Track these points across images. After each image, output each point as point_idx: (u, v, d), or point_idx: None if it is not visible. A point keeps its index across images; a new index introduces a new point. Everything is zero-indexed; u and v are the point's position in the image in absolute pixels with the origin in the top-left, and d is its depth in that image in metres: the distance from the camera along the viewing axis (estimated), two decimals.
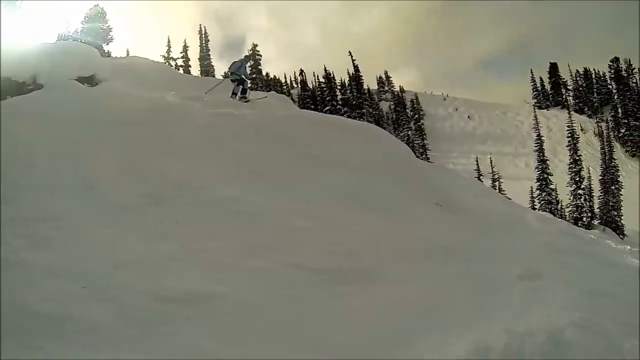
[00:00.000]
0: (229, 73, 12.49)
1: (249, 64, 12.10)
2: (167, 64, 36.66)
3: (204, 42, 44.37)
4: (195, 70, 42.80)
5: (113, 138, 7.42)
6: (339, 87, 53.37)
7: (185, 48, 42.94)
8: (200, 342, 3.31)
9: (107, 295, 3.84)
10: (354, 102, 51.13)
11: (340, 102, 50.64)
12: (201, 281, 4.35)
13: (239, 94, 11.22)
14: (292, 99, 48.70)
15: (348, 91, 52.96)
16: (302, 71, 60.21)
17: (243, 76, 11.32)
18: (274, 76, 62.23)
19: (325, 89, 51.96)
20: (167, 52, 40.99)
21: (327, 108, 46.96)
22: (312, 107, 43.92)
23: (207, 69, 42.86)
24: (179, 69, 38.80)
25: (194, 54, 44.60)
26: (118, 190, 6.19)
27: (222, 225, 6.06)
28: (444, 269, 4.91)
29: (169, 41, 41.26)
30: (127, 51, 39.64)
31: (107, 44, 30.63)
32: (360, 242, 5.29)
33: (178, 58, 41.91)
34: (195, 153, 8.12)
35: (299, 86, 57.82)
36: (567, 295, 4.45)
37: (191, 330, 3.46)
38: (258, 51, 45.87)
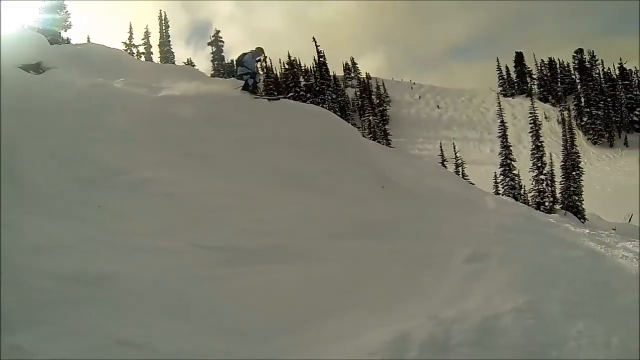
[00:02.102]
0: (237, 66, 11.35)
1: (259, 58, 11.03)
2: (128, 51, 35.83)
3: (163, 27, 43.26)
4: (157, 57, 41.80)
5: (47, 126, 6.93)
6: (302, 73, 53.54)
7: (147, 34, 41.65)
8: (96, 322, 3.18)
9: (16, 279, 3.52)
10: (317, 89, 51.25)
11: (303, 89, 50.63)
12: (107, 262, 4.25)
13: (251, 86, 10.34)
14: (257, 86, 48.76)
15: (312, 77, 53.09)
16: (265, 57, 58.90)
17: (251, 70, 10.36)
18: None
19: (288, 75, 52.04)
20: (128, 39, 39.97)
21: (290, 94, 47.11)
22: (276, 93, 43.50)
23: (167, 56, 42.08)
24: (140, 56, 38.16)
25: (156, 40, 43.33)
26: (44, 176, 5.89)
27: (142, 207, 5.95)
28: (376, 248, 4.58)
29: (130, 27, 40.25)
30: (88, 38, 38.03)
31: (65, 30, 29.12)
32: (288, 221, 4.98)
33: (140, 45, 40.98)
34: (129, 138, 7.88)
35: (263, 72, 57.76)
36: (514, 278, 4.19)
37: (90, 310, 3.35)
38: (220, 37, 45.45)
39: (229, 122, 8.64)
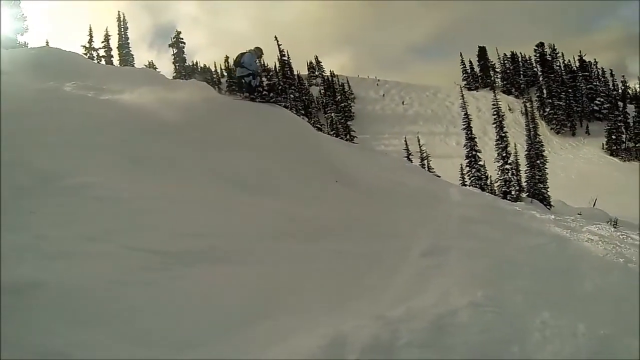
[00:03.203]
0: (235, 67, 10.26)
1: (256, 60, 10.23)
2: (88, 54, 35.35)
3: (122, 29, 42.36)
4: (117, 60, 40.86)
5: None
6: (265, 73, 53.62)
7: (107, 37, 40.66)
8: (10, 332, 2.77)
9: None
10: (280, 87, 51.30)
11: (266, 88, 50.39)
12: (34, 270, 3.76)
13: (256, 86, 9.55)
14: (220, 87, 48.59)
15: (275, 77, 52.70)
16: (227, 58, 59.47)
17: (252, 71, 9.58)
18: (204, 65, 62.00)
19: None
20: (88, 42, 39.15)
21: (252, 95, 46.84)
22: (239, 94, 42.95)
23: (126, 58, 41.19)
24: (100, 60, 37.40)
25: (116, 43, 42.23)
26: None
27: (78, 212, 5.48)
28: (322, 249, 4.31)
29: (90, 30, 39.46)
30: (47, 42, 36.78)
31: (22, 34, 27.96)
32: (229, 223, 4.64)
33: (100, 48, 40.13)
34: (73, 142, 7.37)
35: (227, 74, 57.96)
36: (474, 270, 4.00)
37: (6, 321, 2.91)
38: (182, 39, 44.77)
39: (177, 125, 8.26)
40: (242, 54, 9.90)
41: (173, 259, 3.94)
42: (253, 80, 9.63)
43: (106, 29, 40.86)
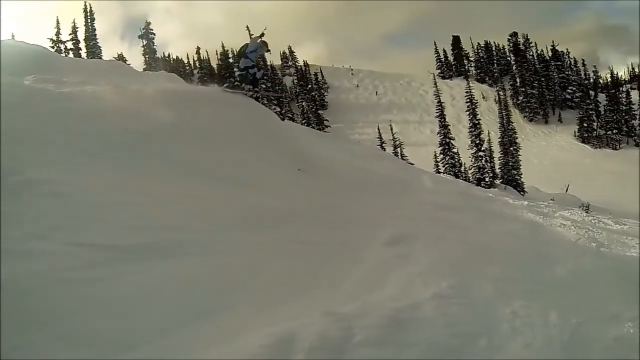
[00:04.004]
0: (239, 58, 9.66)
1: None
2: (55, 47, 34.51)
3: (89, 21, 40.98)
4: (85, 52, 39.74)
5: None
6: (236, 63, 53.35)
7: (74, 29, 39.40)
8: None
9: None
10: (252, 78, 51.12)
11: (238, 79, 50.13)
12: None
13: (260, 79, 8.89)
14: (191, 79, 48.03)
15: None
16: (198, 49, 59.18)
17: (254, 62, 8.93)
18: (177, 57, 60.81)
19: (223, 66, 52.23)
20: (55, 35, 37.88)
21: (225, 85, 46.61)
22: (210, 84, 42.47)
23: (93, 50, 40.03)
24: (68, 53, 36.43)
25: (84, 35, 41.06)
26: None
27: (26, 209, 5.11)
28: (278, 239, 4.05)
29: (57, 23, 38.13)
30: (12, 35, 35.14)
31: None
32: (181, 214, 4.36)
33: (67, 41, 38.88)
34: (26, 137, 6.93)
35: (199, 65, 57.71)
36: (442, 259, 3.81)
37: None
38: (151, 30, 43.77)
39: (136, 117, 7.90)
40: (247, 44, 9.37)
41: (122, 253, 3.72)
42: (258, 72, 9.15)
43: (73, 21, 39.79)
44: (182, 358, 2.43)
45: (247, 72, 9.24)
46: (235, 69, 52.53)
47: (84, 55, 38.28)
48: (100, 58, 33.89)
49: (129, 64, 22.02)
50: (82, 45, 39.95)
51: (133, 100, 8.39)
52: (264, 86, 9.96)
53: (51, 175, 5.86)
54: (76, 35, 39.76)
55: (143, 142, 7.32)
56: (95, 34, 41.44)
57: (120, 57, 42.63)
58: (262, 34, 9.34)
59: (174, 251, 3.73)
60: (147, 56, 43.05)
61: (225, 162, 6.34)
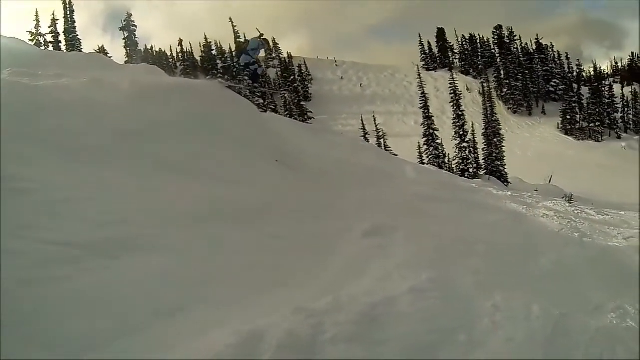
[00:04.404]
0: (240, 54, 9.83)
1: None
2: (34, 40, 33.62)
3: (68, 12, 39.83)
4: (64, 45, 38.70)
5: None
6: (219, 55, 53.52)
7: (54, 21, 38.23)
8: None
9: None
10: (235, 70, 50.65)
11: (221, 71, 49.72)
12: None
13: (261, 76, 8.96)
14: (174, 72, 47.51)
15: (229, 59, 52.56)
16: (181, 41, 57.99)
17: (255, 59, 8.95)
18: (160, 49, 59.62)
19: (205, 58, 52.14)
20: (35, 28, 36.70)
21: (208, 77, 46.52)
22: (193, 77, 42.05)
23: (72, 43, 38.90)
24: (47, 46, 35.49)
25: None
26: None
27: None
28: (249, 233, 3.90)
29: (37, 15, 36.95)
30: None
31: None
32: (155, 210, 4.17)
33: (47, 34, 37.78)
34: None
35: (182, 57, 56.84)
36: (421, 251, 3.69)
37: None
38: (133, 21, 42.94)
39: (110, 110, 7.63)
40: (248, 41, 9.54)
41: (89, 250, 3.61)
42: (259, 68, 9.27)
43: (53, 13, 38.65)
44: (145, 358, 2.34)
45: (248, 69, 9.38)
46: (218, 62, 52.67)
47: (63, 48, 37.37)
48: (80, 51, 33.33)
49: (110, 57, 21.57)
50: (62, 38, 39.15)
51: (108, 93, 8.12)
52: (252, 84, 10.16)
53: (17, 171, 5.64)
54: (56, 28, 38.93)
55: (115, 137, 7.06)
56: (75, 27, 40.57)
57: (102, 50, 41.97)
58: (262, 35, 9.60)
59: (142, 247, 3.61)
60: (128, 49, 42.32)
61: (199, 155, 6.15)
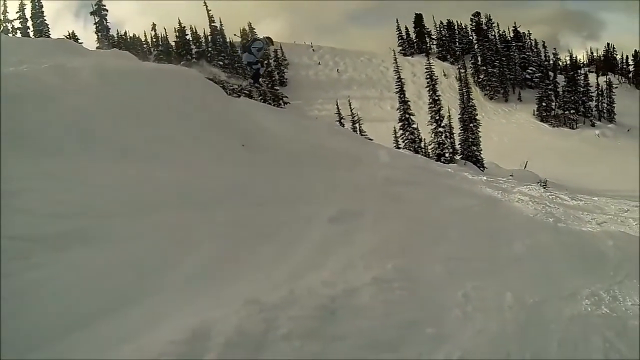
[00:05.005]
0: (243, 52, 10.02)
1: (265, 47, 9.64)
2: (1, 27, 32.69)
3: None
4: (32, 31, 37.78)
5: None
6: (193, 40, 53.11)
7: (21, 6, 36.91)
8: None
9: None
10: (209, 55, 50.39)
11: (195, 56, 49.66)
12: None
13: (262, 75, 8.75)
14: (148, 57, 46.50)
15: (204, 44, 52.97)
16: (154, 26, 56.59)
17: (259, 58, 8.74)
18: (134, 35, 58.22)
19: (179, 43, 51.56)
20: (2, 14, 35.40)
21: (182, 63, 46.19)
22: (167, 62, 41.52)
23: (40, 29, 37.90)
24: (15, 32, 34.89)
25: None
26: None
27: None
28: (206, 220, 3.67)
29: (4, 0, 35.74)
30: None
31: None
32: (108, 199, 3.89)
33: (15, 19, 36.52)
34: None
35: (155, 42, 55.81)
36: (389, 237, 3.51)
37: None
38: (104, 5, 41.52)
39: (64, 97, 7.23)
40: (254, 39, 9.49)
41: (40, 244, 3.41)
42: (261, 68, 9.22)
43: None
44: (82, 359, 2.18)
45: (252, 68, 9.38)
46: (193, 47, 51.95)
47: (32, 34, 36.61)
48: (48, 37, 32.60)
49: (80, 43, 20.74)
50: (30, 24, 38.10)
51: (68, 79, 7.73)
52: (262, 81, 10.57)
53: None
54: (24, 14, 37.75)
55: (72, 124, 6.77)
56: (43, 12, 39.50)
57: (72, 36, 40.90)
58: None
59: (95, 239, 3.40)
60: (99, 34, 41.10)
61: (162, 141, 5.85)
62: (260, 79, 9.61)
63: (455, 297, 2.70)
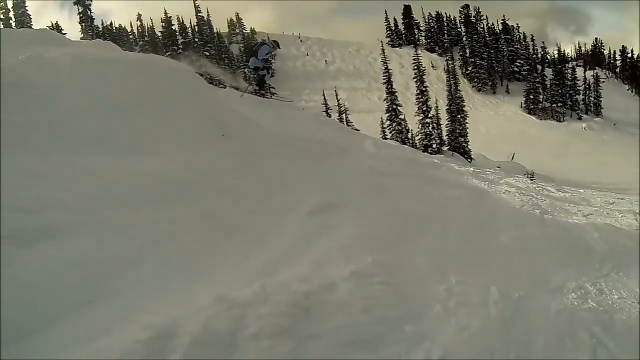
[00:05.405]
0: (249, 56, 9.78)
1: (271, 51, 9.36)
2: None
3: None
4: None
5: None
6: (180, 30, 53.15)
7: None
8: None
9: None
10: (195, 46, 50.92)
11: (181, 46, 50.03)
12: None
13: (267, 82, 8.52)
14: (133, 48, 45.91)
15: (190, 34, 53.29)
16: (139, 16, 57.08)
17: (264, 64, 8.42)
18: (119, 25, 57.90)
19: (165, 33, 51.49)
20: None
21: (167, 53, 45.96)
22: (152, 53, 40.86)
23: (22, 19, 37.23)
24: None
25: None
26: None
27: None
28: (186, 210, 3.53)
29: None
30: None
31: None
32: (79, 192, 3.69)
33: None
34: None
35: (141, 33, 56.79)
36: (371, 229, 3.39)
37: None
38: None
39: (39, 88, 6.96)
40: (261, 44, 9.19)
41: (4, 240, 3.21)
42: (267, 75, 8.97)
43: None
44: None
45: (257, 74, 9.17)
46: (179, 37, 51.51)
47: (14, 25, 35.88)
48: (30, 27, 32.30)
49: (64, 33, 20.18)
50: (12, 14, 37.45)
51: (46, 70, 7.45)
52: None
53: None
54: (6, 4, 37.05)
55: (46, 115, 6.52)
56: (25, 2, 38.79)
57: (55, 26, 40.49)
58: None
59: (62, 234, 3.26)
60: (83, 24, 40.72)
61: (137, 133, 5.64)
62: (264, 86, 9.36)
63: (437, 291, 2.60)
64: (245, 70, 49.96)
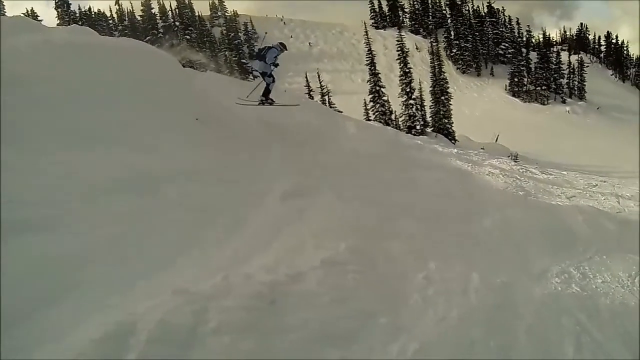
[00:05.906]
0: (254, 59, 9.13)
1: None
2: None
3: None
4: None
5: None
6: (159, 14, 52.24)
7: None
8: None
9: None
10: (175, 30, 50.33)
11: (161, 31, 49.60)
12: None
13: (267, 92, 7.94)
14: (113, 34, 44.74)
15: (171, 18, 52.23)
16: (117, 0, 55.00)
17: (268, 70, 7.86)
18: (98, 10, 55.58)
19: (145, 17, 50.79)
20: None
21: (147, 38, 45.19)
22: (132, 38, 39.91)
23: None
24: None
25: None
26: None
27: None
28: (160, 201, 3.37)
29: None
30: None
31: None
32: (51, 187, 3.53)
33: None
34: None
35: (120, 17, 54.57)
36: (345, 215, 3.27)
37: None
38: None
39: (10, 78, 6.62)
40: (268, 47, 8.65)
41: None
42: (272, 83, 8.47)
43: None
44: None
45: (263, 79, 8.71)
46: (159, 21, 50.28)
47: None
48: (4, 14, 31.22)
49: (40, 20, 19.37)
50: None
51: (18, 59, 7.12)
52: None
53: None
54: None
55: (22, 107, 6.22)
56: None
57: (31, 13, 39.05)
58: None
59: (37, 228, 3.13)
60: (59, 10, 39.43)
61: (110, 121, 5.39)
62: (268, 94, 8.95)
63: (415, 280, 2.46)
64: (227, 53, 49.42)
